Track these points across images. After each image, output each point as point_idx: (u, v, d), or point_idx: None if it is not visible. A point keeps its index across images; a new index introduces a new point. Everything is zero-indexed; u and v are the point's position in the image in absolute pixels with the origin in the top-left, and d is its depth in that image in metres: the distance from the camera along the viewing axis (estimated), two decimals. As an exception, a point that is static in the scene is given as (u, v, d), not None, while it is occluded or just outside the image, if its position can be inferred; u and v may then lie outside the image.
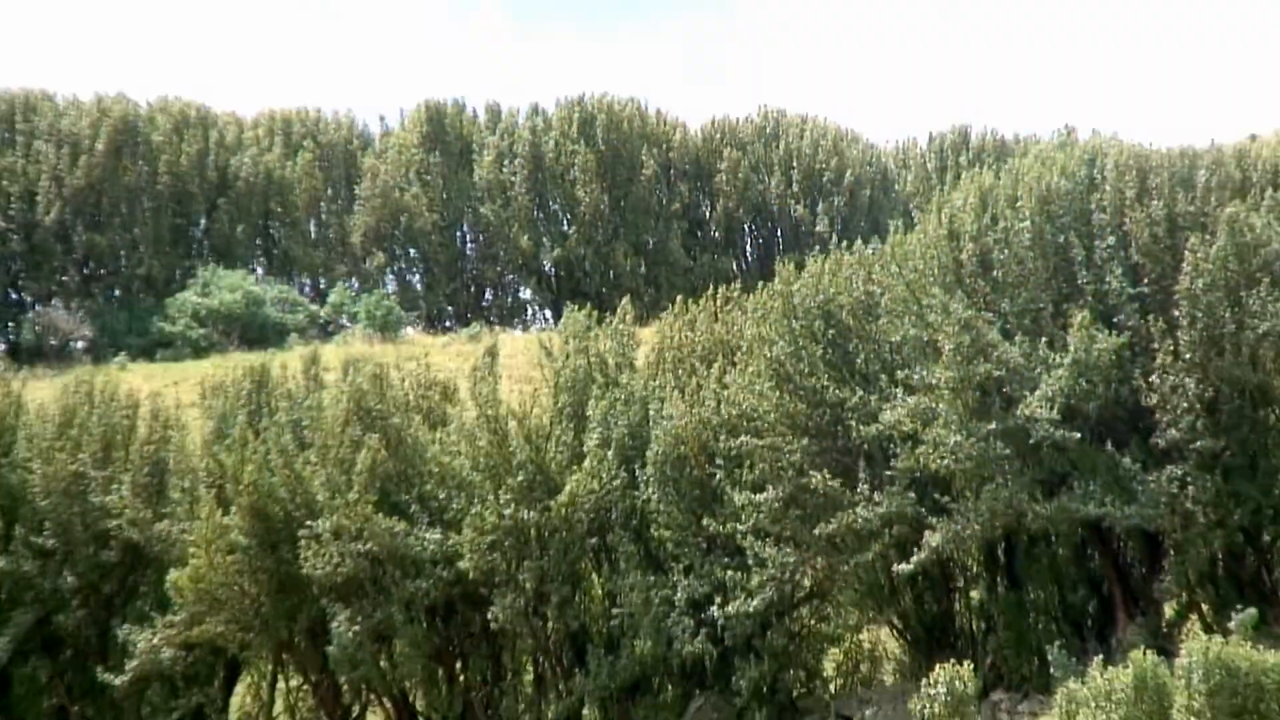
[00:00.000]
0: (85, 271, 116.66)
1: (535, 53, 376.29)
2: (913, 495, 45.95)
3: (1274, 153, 58.52)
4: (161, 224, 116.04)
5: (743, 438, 48.27)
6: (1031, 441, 44.34)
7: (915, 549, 45.40)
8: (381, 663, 50.47)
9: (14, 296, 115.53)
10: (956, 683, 32.42)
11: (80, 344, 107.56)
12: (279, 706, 54.66)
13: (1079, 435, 44.08)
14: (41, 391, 61.35)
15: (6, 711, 55.06)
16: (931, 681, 31.86)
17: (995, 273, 47.44)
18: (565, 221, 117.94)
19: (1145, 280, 46.18)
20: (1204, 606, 45.31)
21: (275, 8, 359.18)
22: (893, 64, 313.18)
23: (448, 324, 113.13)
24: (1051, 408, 43.82)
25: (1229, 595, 44.67)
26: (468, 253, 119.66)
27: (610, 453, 49.47)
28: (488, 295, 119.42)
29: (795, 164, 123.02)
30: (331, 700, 52.57)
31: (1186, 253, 44.98)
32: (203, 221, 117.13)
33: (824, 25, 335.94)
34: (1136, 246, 46.43)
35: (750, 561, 47.26)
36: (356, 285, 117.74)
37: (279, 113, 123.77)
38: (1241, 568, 46.28)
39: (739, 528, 47.58)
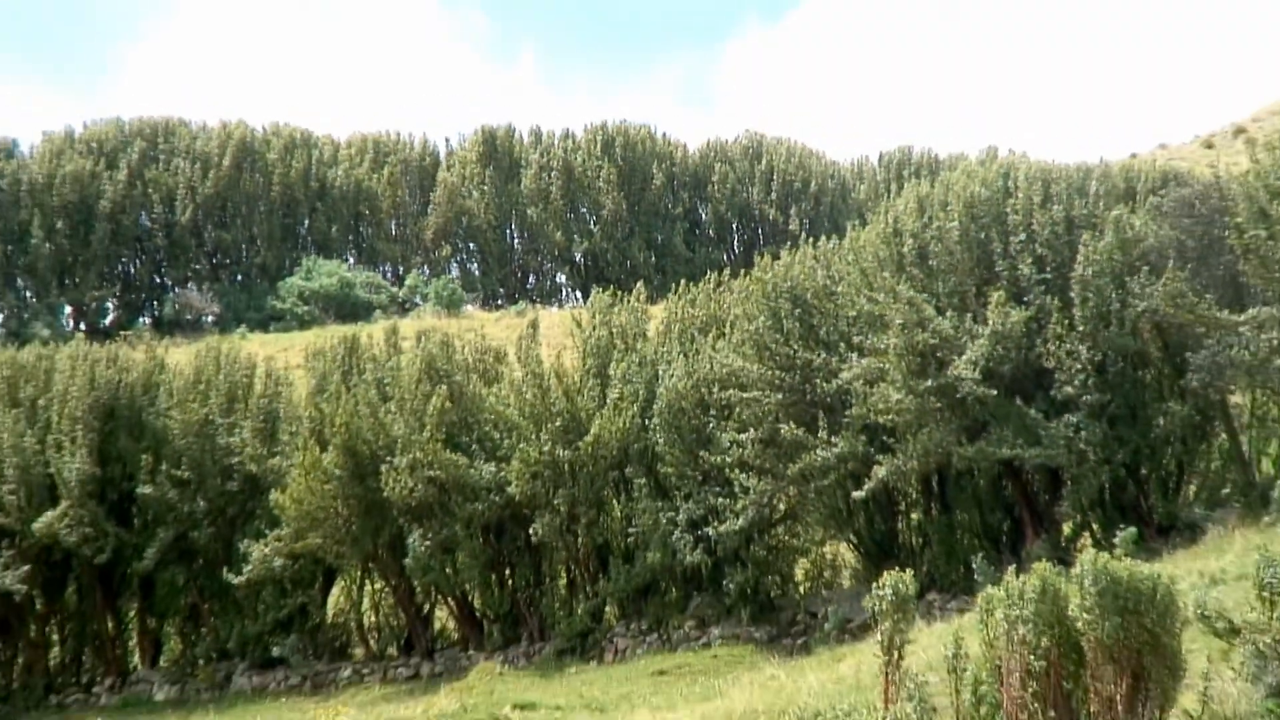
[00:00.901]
0: (213, 261, 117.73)
1: (566, 87, 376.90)
2: (864, 438, 47.16)
3: (1151, 167, 59.91)
4: (273, 223, 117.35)
5: (730, 391, 49.51)
6: (958, 396, 45.38)
7: (866, 480, 46.50)
8: (447, 570, 51.53)
9: (157, 280, 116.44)
10: (899, 585, 33.04)
11: (209, 318, 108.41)
12: (366, 605, 55.52)
13: (995, 391, 45.14)
14: (179, 355, 62.34)
15: (151, 609, 55.80)
16: (880, 585, 31.98)
17: (930, 262, 48.48)
18: (591, 222, 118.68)
19: (1048, 268, 47.06)
20: (1094, 526, 45.81)
21: (367, 53, 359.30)
22: (851, 95, 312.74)
23: (499, 302, 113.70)
24: (974, 369, 44.91)
25: (1114, 517, 45.23)
26: (515, 246, 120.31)
27: (627, 404, 51.17)
28: (531, 279, 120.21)
29: (773, 176, 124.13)
30: (407, 600, 53.64)
31: (1080, 246, 46.32)
32: (306, 221, 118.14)
33: (796, 63, 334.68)
34: (1041, 242, 47.54)
35: (736, 490, 48.79)
36: (427, 272, 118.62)
37: (367, 135, 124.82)
38: (1124, 496, 47.07)
39: (727, 463, 49.16)
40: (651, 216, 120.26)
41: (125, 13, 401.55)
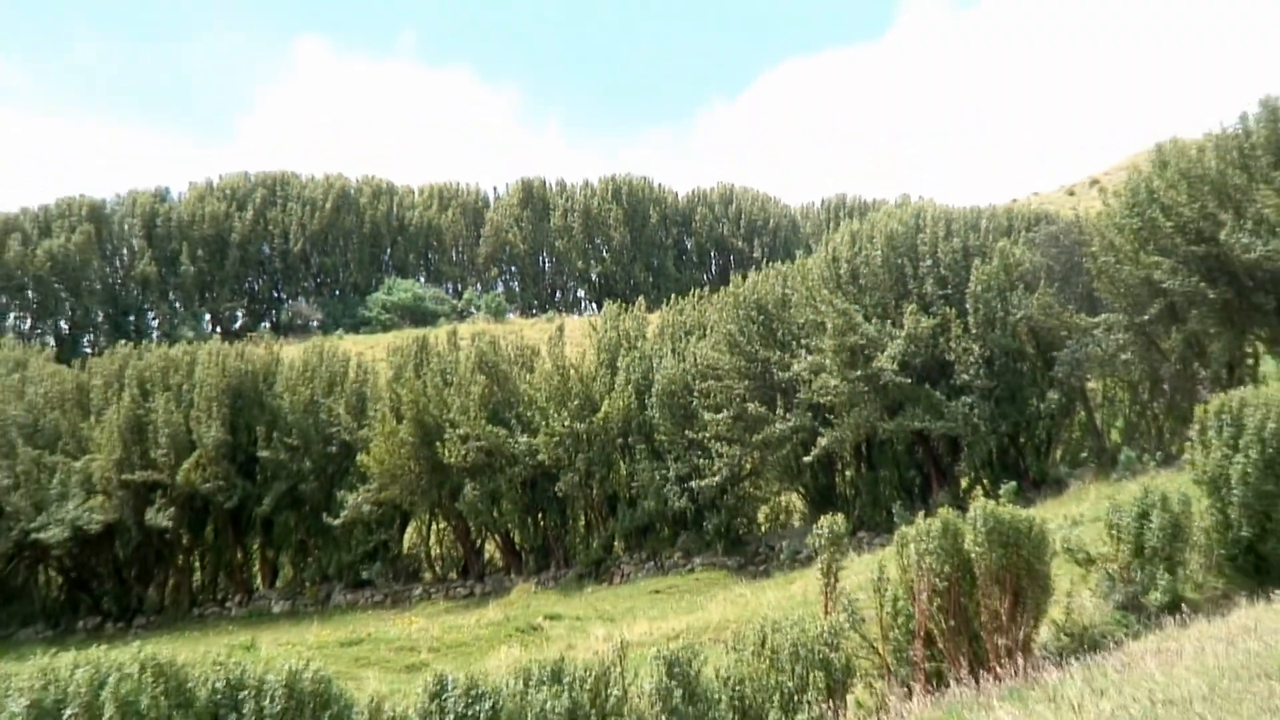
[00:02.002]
0: (317, 280, 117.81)
1: (582, 147, 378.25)
2: (810, 415, 47.56)
3: (1026, 209, 59.92)
4: (363, 251, 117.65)
5: (709, 381, 49.84)
6: (881, 383, 45.63)
7: (813, 447, 47.01)
8: (493, 513, 51.73)
9: (275, 294, 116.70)
10: (835, 526, 33.04)
11: (314, 323, 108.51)
12: (432, 540, 55.82)
13: (909, 379, 45.39)
14: (291, 351, 62.25)
15: (270, 543, 55.81)
16: (820, 525, 32.07)
17: (860, 281, 48.56)
18: (604, 250, 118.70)
19: (949, 286, 47.18)
20: (984, 481, 45.70)
21: (434, 120, 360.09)
22: (796, 153, 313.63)
23: (534, 311, 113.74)
24: (893, 363, 45.20)
25: (999, 474, 45.25)
26: (545, 268, 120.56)
27: (630, 388, 51.50)
28: (558, 294, 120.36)
29: (740, 216, 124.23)
30: (464, 536, 53.51)
31: (973, 269, 46.44)
32: (388, 250, 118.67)
33: (752, 129, 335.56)
34: (943, 266, 47.58)
35: (713, 454, 49.06)
36: (480, 288, 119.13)
37: (434, 184, 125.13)
38: (1007, 458, 47.04)
39: (706, 435, 49.46)
40: (649, 246, 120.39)
41: (246, 90, 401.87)
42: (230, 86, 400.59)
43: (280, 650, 36.38)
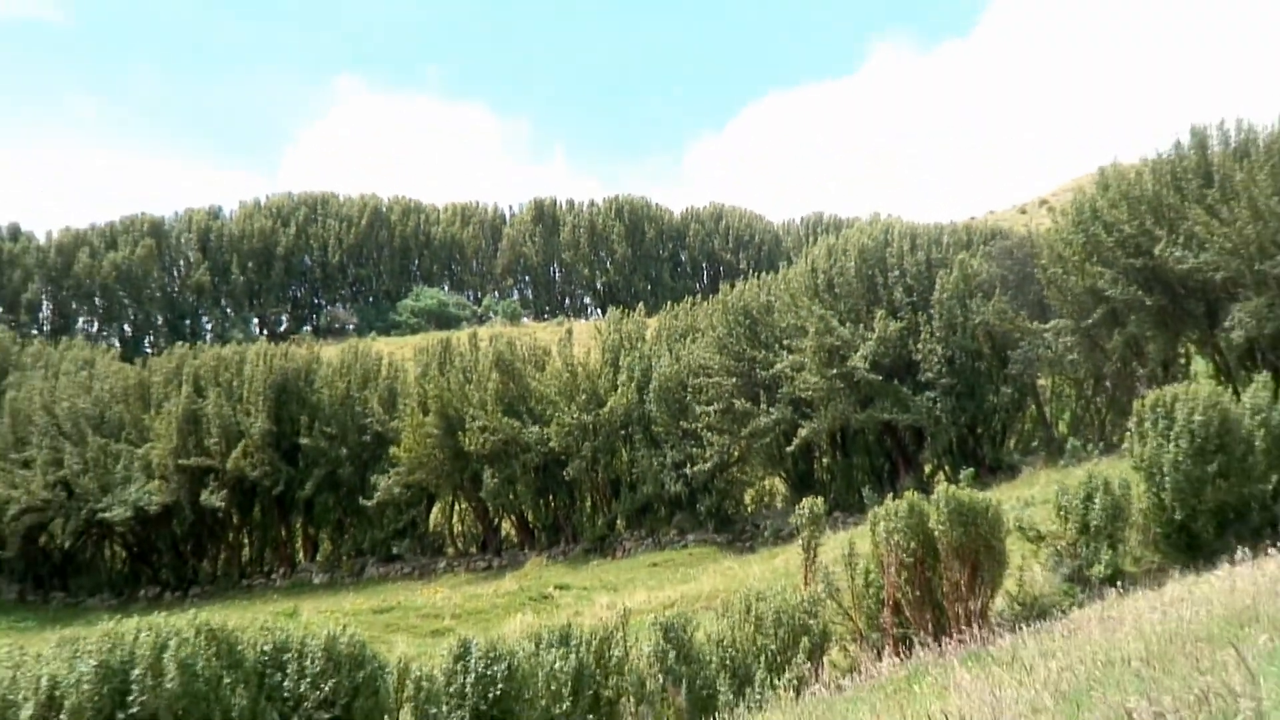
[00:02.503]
0: (353, 288, 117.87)
1: (586, 171, 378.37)
2: (791, 408, 47.55)
3: (983, 225, 59.99)
4: (394, 263, 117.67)
5: (701, 378, 49.73)
6: (854, 380, 45.63)
7: (793, 437, 47.14)
8: (509, 495, 51.38)
9: (315, 301, 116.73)
10: (814, 507, 32.97)
11: (350, 326, 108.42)
12: (455, 519, 55.66)
13: (879, 376, 45.44)
14: (329, 351, 62.28)
15: (311, 521, 55.66)
16: (801, 506, 32.00)
17: (835, 289, 48.52)
18: (607, 262, 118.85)
19: (914, 294, 47.22)
20: (946, 467, 45.64)
21: (456, 145, 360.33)
22: (776, 176, 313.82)
23: (545, 315, 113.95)
24: (865, 362, 45.23)
25: (959, 461, 45.15)
26: (556, 278, 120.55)
27: (631, 385, 51.15)
28: (567, 301, 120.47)
29: (729, 232, 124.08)
30: (483, 515, 53.32)
31: (937, 279, 46.45)
32: (416, 261, 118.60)
33: (736, 155, 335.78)
34: (910, 276, 47.56)
35: (705, 443, 48.82)
36: (498, 295, 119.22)
37: (457, 203, 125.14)
38: (966, 447, 46.93)
39: (698, 426, 49.32)
40: (647, 259, 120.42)
41: (291, 120, 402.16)
42: (277, 118, 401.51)
43: (320, 617, 36.43)
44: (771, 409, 48.43)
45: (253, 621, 27.15)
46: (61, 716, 21.63)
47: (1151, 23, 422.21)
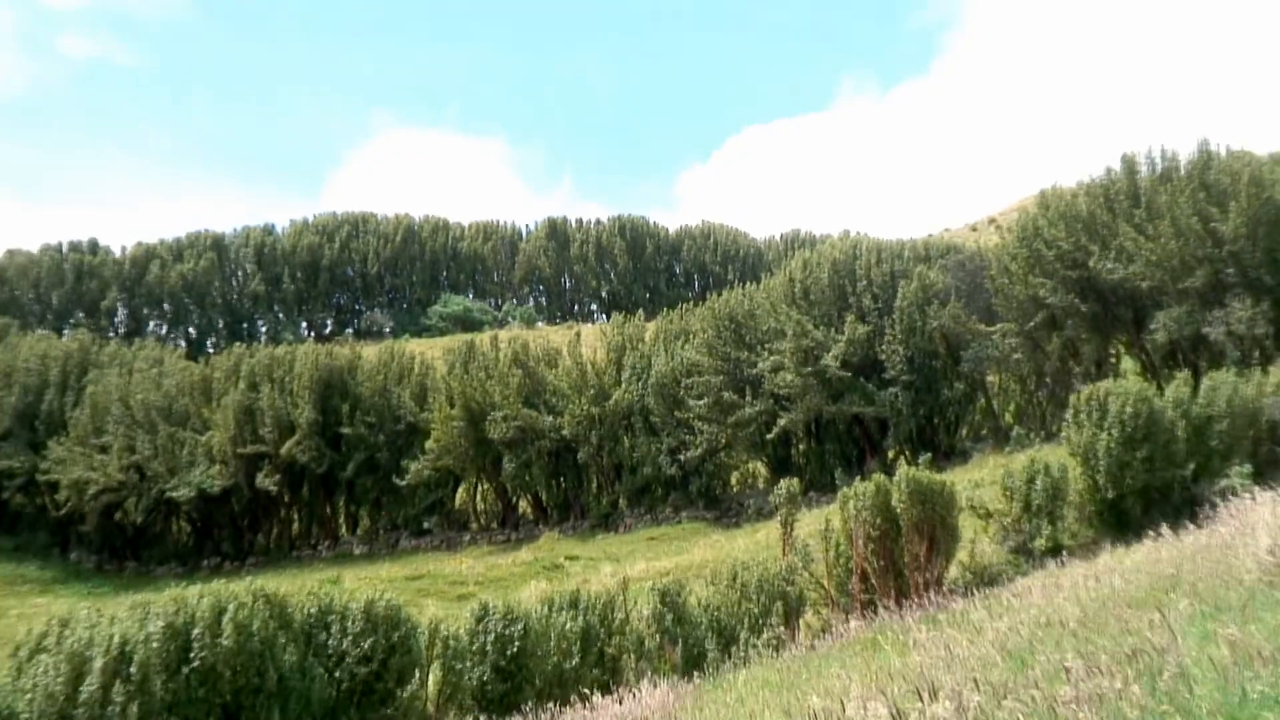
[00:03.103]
0: (390, 296, 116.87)
1: (591, 194, 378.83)
2: (772, 401, 47.58)
3: (939, 241, 59.85)
4: (425, 274, 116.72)
5: (693, 375, 49.71)
6: (826, 376, 45.70)
7: (773, 426, 47.23)
8: (526, 477, 51.29)
9: (357, 307, 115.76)
10: (791, 488, 32.97)
11: (387, 329, 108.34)
12: (478, 498, 55.23)
13: (848, 374, 45.62)
14: (368, 351, 62.17)
15: (352, 499, 55.49)
16: (780, 487, 32.13)
17: (810, 297, 48.58)
18: (612, 274, 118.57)
19: (879, 301, 47.22)
20: (907, 453, 45.49)
21: (476, 172, 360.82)
22: (758, 197, 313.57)
23: (557, 320, 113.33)
24: (836, 361, 45.37)
25: (918, 448, 45.24)
26: (566, 288, 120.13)
27: (632, 381, 51.25)
28: (576, 307, 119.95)
29: (718, 247, 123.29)
30: (502, 495, 53.07)
31: (899, 288, 46.57)
32: (444, 273, 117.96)
33: (721, 180, 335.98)
34: (876, 285, 47.61)
35: (696, 432, 48.81)
36: (516, 302, 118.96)
37: (480, 222, 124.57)
38: (924, 435, 46.86)
39: (691, 416, 49.23)
40: (646, 271, 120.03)
41: (334, 148, 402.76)
42: (321, 146, 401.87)
43: (360, 583, 36.40)
44: (754, 402, 48.42)
45: (301, 588, 27.07)
46: (131, 669, 21.61)
47: (1083, 57, 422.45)
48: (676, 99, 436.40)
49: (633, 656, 24.53)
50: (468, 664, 24.82)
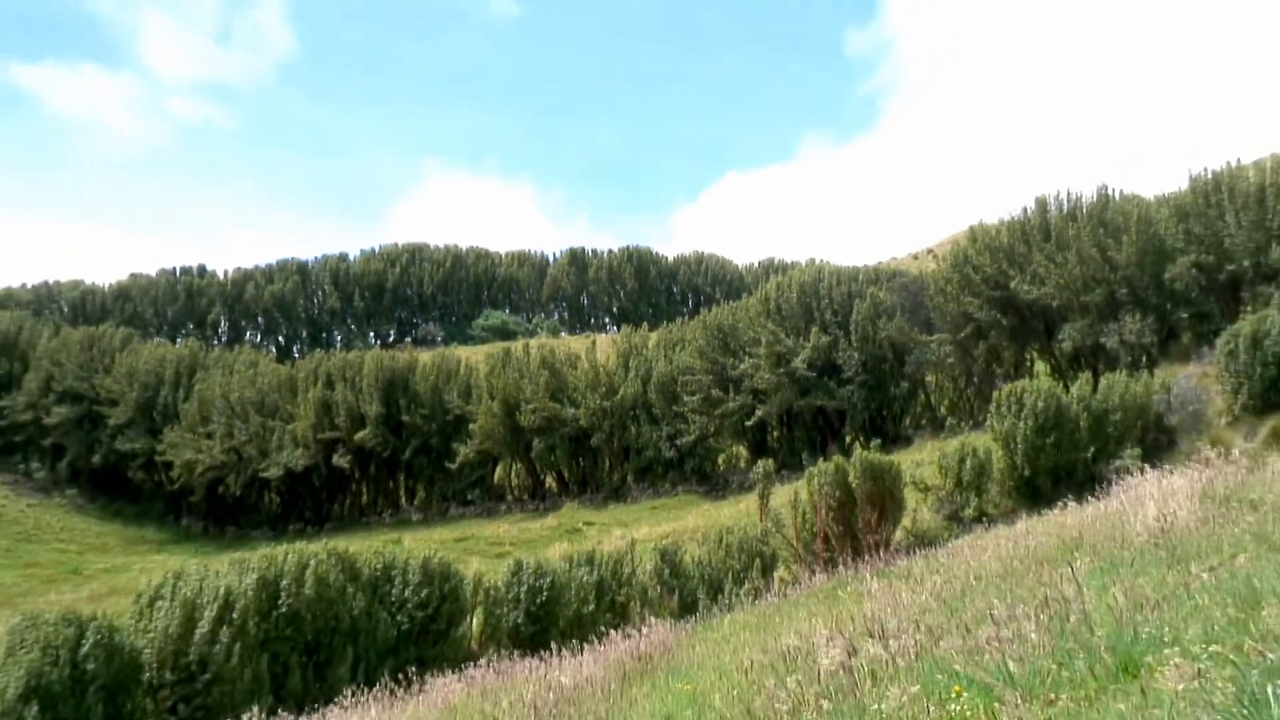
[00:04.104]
0: (441, 311, 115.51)
1: (603, 228, 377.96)
2: (751, 396, 47.42)
3: (886, 267, 60.04)
4: (469, 293, 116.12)
5: (687, 375, 49.55)
6: (796, 376, 45.63)
7: (753, 416, 47.14)
8: (551, 458, 51.25)
9: (414, 320, 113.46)
10: (767, 466, 32.97)
11: (439, 339, 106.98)
12: (512, 475, 54.49)
13: (814, 373, 45.46)
14: (423, 356, 61.98)
15: (410, 476, 55.33)
16: (758, 466, 32.25)
17: (782, 312, 48.32)
18: (621, 293, 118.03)
19: (838, 316, 47.31)
20: (861, 439, 45.31)
21: (507, 209, 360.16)
22: (739, 230, 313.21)
23: (577, 331, 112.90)
24: (803, 364, 45.44)
25: (870, 434, 44.92)
26: (585, 305, 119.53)
27: (637, 380, 50.92)
28: (592, 320, 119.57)
29: (708, 271, 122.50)
30: (532, 472, 52.72)
31: (854, 305, 46.58)
32: (485, 293, 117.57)
33: (708, 216, 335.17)
34: (836, 303, 47.66)
35: (690, 421, 48.33)
36: (544, 316, 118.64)
37: (514, 251, 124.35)
38: (875, 424, 46.54)
39: (685, 409, 48.93)
40: (650, 291, 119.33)
41: (394, 191, 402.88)
42: (383, 188, 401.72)
43: (417, 544, 36.43)
44: (737, 397, 48.22)
45: (368, 548, 27.05)
46: (233, 614, 21.67)
47: (998, 116, 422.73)
48: (670, 150, 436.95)
49: (638, 603, 24.63)
50: (505, 610, 24.94)
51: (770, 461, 36.21)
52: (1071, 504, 18.80)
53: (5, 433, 63.58)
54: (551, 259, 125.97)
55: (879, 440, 40.84)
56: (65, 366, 63.14)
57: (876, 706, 7.04)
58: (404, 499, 56.58)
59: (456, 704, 15.36)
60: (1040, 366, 44.05)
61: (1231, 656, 5.28)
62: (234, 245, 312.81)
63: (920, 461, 33.54)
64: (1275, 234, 37.07)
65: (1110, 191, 43.77)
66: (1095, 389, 29.05)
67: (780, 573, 24.29)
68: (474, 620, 25.31)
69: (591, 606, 24.62)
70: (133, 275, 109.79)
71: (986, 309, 42.99)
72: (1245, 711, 4.18)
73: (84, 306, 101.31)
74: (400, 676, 19.27)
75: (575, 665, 14.85)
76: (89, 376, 62.30)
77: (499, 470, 55.83)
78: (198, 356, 64.86)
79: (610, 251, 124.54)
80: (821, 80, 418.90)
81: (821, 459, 27.27)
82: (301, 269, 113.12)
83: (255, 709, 18.57)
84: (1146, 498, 13.84)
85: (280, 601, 22.56)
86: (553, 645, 19.67)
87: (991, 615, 8.61)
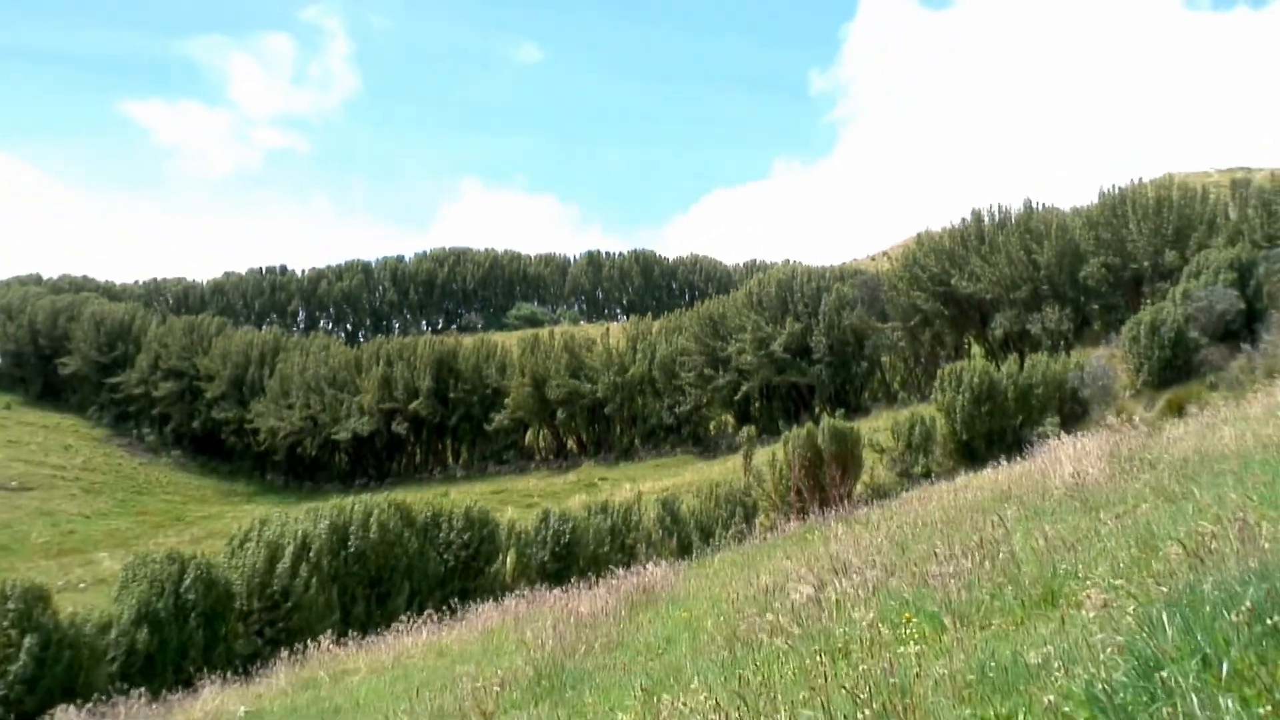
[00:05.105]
0: (481, 302, 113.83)
1: (614, 233, 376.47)
2: (737, 374, 46.89)
3: (851, 267, 59.59)
4: (504, 289, 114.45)
5: (684, 356, 49.14)
6: (774, 357, 45.22)
7: (739, 390, 46.66)
8: (572, 424, 50.87)
9: (459, 311, 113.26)
10: (750, 432, 33.33)
11: (479, 326, 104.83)
12: (540, 439, 54.14)
13: (789, 355, 45.46)
14: (466, 341, 60.84)
15: (456, 440, 55.07)
16: (742, 432, 32.51)
17: (763, 304, 47.76)
18: (630, 289, 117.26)
19: (809, 307, 46.62)
20: (828, 409, 45.74)
21: (531, 219, 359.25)
22: (728, 235, 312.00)
23: (593, 320, 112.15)
24: (780, 348, 45.26)
25: (835, 405, 45.11)
26: (600, 298, 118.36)
27: (643, 360, 50.46)
28: (606, 311, 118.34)
29: (701, 270, 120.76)
30: (557, 436, 52.48)
31: (823, 299, 46.14)
32: (517, 288, 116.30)
33: (701, 223, 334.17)
34: (807, 297, 47.46)
35: (686, 394, 47.96)
36: (566, 308, 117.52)
37: (541, 254, 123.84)
38: (840, 397, 46.17)
39: (682, 383, 48.59)
40: (654, 287, 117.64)
41: (439, 202, 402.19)
42: (430, 200, 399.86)
43: (460, 496, 36.48)
44: (725, 374, 47.90)
45: (421, 499, 27.05)
46: (310, 554, 21.70)
47: (936, 140, 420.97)
48: (667, 170, 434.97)
49: (644, 545, 24.66)
50: (533, 550, 25.03)
51: (753, 428, 36.37)
52: (1002, 463, 18.80)
53: (121, 404, 63.70)
54: (572, 260, 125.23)
55: (843, 410, 40.57)
56: (170, 349, 63.22)
57: (841, 630, 7.07)
58: (450, 459, 56.50)
59: (493, 628, 15.46)
60: (976, 349, 43.96)
61: (1134, 590, 5.33)
62: (309, 248, 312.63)
63: (877, 428, 33.50)
64: (1169, 240, 37.38)
65: (1034, 204, 43.86)
66: (1021, 368, 29.04)
67: (761, 520, 24.32)
68: (508, 559, 25.40)
69: (605, 548, 24.71)
70: (226, 273, 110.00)
71: (931, 302, 42.93)
72: (1145, 634, 4.19)
73: (186, 299, 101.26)
74: (446, 605, 19.36)
75: (592, 596, 14.88)
76: (190, 357, 62.36)
77: (529, 435, 55.65)
78: (280, 341, 64.81)
79: (620, 254, 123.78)
80: (790, 113, 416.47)
81: (795, 426, 27.24)
82: (365, 268, 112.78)
83: (328, 631, 18.68)
84: (1064, 458, 13.84)
85: (348, 543, 22.67)
86: (573, 579, 19.72)
87: (935, 554, 8.65)
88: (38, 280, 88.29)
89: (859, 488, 24.50)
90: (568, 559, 24.33)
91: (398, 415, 54.09)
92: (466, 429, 55.17)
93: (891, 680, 4.65)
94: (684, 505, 26.28)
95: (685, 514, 25.72)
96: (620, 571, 17.86)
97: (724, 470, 36.24)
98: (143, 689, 15.97)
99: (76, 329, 67.85)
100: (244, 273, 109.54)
